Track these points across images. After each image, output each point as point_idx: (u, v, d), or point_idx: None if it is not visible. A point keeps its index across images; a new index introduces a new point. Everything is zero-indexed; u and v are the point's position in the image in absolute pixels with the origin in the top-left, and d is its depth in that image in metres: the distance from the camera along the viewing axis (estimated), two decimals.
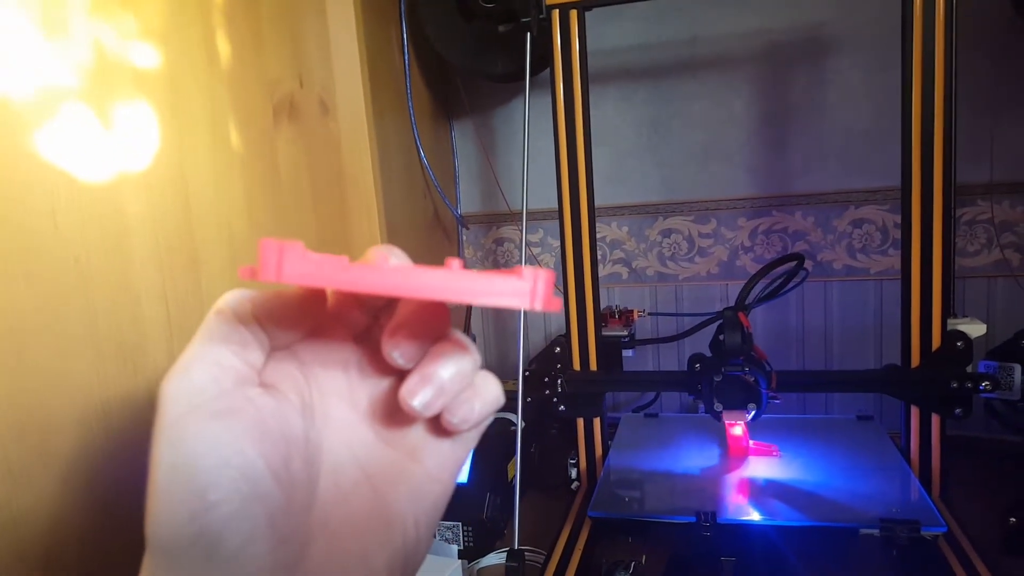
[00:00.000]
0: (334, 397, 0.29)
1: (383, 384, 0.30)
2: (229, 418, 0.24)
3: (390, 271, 0.23)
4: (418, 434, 0.30)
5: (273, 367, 0.27)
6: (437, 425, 0.29)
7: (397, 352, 0.27)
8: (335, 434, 0.29)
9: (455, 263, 0.24)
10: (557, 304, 0.24)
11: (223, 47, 0.56)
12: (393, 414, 0.29)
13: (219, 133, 0.55)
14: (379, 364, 0.30)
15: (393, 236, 1.08)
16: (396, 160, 1.12)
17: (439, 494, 0.30)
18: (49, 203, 0.42)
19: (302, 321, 0.27)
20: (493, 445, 0.97)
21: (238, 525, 0.23)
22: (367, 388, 0.30)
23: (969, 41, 1.07)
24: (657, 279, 1.34)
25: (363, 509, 0.28)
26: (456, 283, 0.23)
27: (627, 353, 1.10)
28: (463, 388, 0.27)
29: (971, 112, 1.10)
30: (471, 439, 0.30)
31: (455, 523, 0.92)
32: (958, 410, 0.85)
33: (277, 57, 0.63)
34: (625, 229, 1.34)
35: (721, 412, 0.85)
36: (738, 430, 0.93)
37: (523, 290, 0.23)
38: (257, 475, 0.24)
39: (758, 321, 1.28)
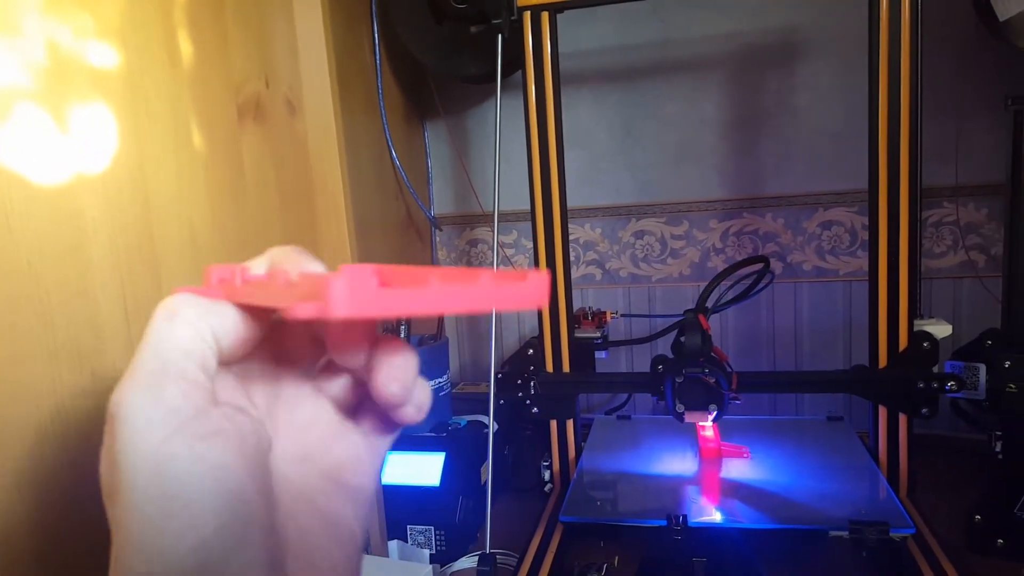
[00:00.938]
0: (279, 408, 0.29)
1: (325, 390, 0.30)
2: (216, 440, 0.23)
3: (428, 293, 0.22)
4: (356, 437, 0.30)
5: (217, 382, 0.26)
6: (376, 424, 0.30)
7: (346, 356, 0.27)
8: (283, 446, 0.28)
9: (486, 276, 0.24)
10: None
11: (185, 46, 0.55)
12: (333, 422, 0.30)
13: (181, 134, 0.54)
14: (314, 373, 0.30)
15: (364, 237, 1.07)
16: (367, 161, 1.11)
17: (372, 493, 0.31)
18: (2, 206, 0.41)
19: (250, 336, 0.26)
20: (466, 448, 0.96)
21: (239, 553, 0.22)
22: (307, 397, 0.30)
23: (935, 46, 1.09)
24: (630, 280, 1.34)
25: (316, 518, 0.28)
26: (484, 292, 0.24)
27: (600, 355, 1.10)
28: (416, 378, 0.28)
29: (937, 115, 1.12)
30: (393, 439, 0.31)
31: (427, 527, 0.92)
32: (925, 410, 0.87)
33: (242, 56, 0.62)
34: (598, 231, 1.34)
35: (683, 413, 0.86)
36: (709, 432, 0.93)
37: (535, 292, 0.24)
38: (249, 498, 0.23)
39: (729, 323, 1.29)
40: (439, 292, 0.22)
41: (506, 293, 0.24)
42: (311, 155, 0.71)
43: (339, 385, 0.30)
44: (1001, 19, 0.95)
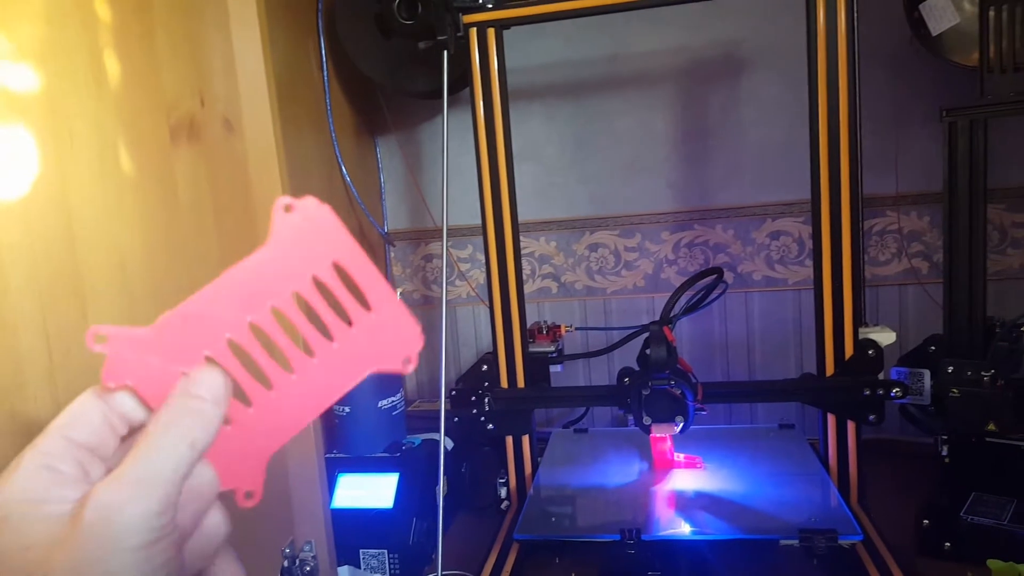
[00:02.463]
0: None
1: None
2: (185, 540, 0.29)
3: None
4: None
5: None
6: None
7: None
8: None
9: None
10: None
11: (112, 66, 0.53)
12: None
13: (108, 156, 0.52)
14: None
15: None
16: (316, 177, 1.10)
17: None
18: None
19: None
20: (420, 468, 0.95)
21: None
22: None
23: (872, 60, 1.12)
24: (586, 293, 1.34)
25: None
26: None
27: (555, 368, 1.10)
28: None
29: (877, 127, 1.15)
30: None
31: (380, 551, 0.90)
32: (871, 416, 0.88)
33: (174, 75, 0.61)
34: (553, 244, 1.34)
35: (650, 425, 0.86)
36: (664, 444, 0.93)
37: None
38: None
39: (684, 333, 1.30)
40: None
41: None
42: (251, 174, 0.69)
43: None
44: (933, 34, 0.98)
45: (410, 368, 0.31)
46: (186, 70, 0.63)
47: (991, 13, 0.86)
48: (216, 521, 0.31)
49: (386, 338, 0.30)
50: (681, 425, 0.84)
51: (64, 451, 0.28)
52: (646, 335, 0.89)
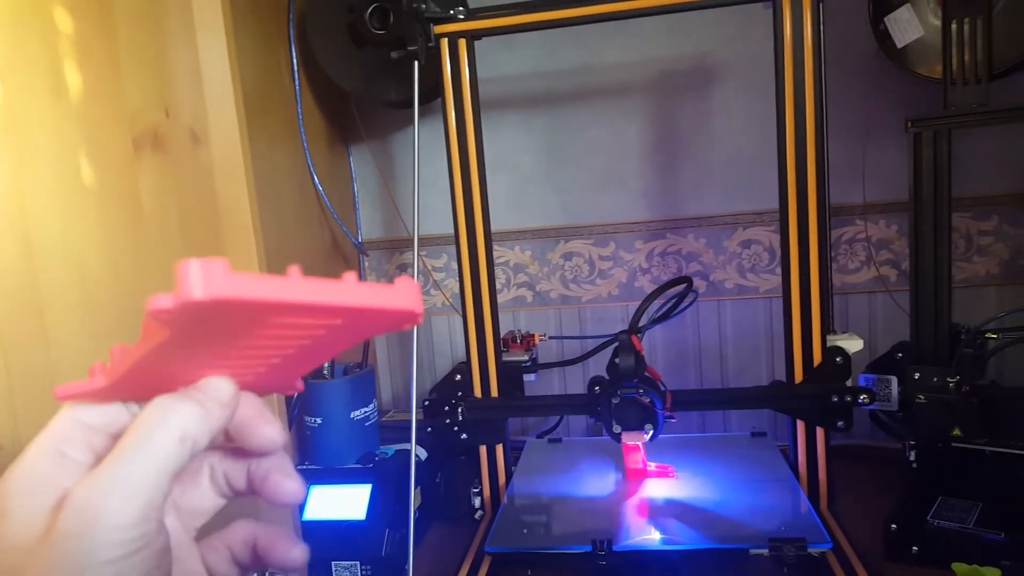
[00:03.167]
0: None
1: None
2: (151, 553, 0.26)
3: (307, 284, 0.23)
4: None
5: None
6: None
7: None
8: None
9: (350, 276, 0.25)
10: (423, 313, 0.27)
11: (73, 78, 0.53)
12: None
13: (69, 169, 0.52)
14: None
15: (285, 265, 1.05)
16: (288, 187, 1.09)
17: None
18: None
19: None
20: (393, 479, 0.94)
21: None
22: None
23: (840, 72, 1.14)
24: (561, 302, 1.35)
25: None
26: (355, 291, 0.24)
27: (530, 377, 1.10)
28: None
29: (847, 137, 1.16)
30: None
31: (353, 563, 0.89)
32: (840, 422, 0.89)
33: (138, 87, 0.60)
34: (528, 253, 1.34)
35: (620, 433, 0.86)
36: (636, 453, 0.93)
37: (409, 294, 0.25)
38: None
39: (658, 341, 1.31)
40: (299, 283, 0.23)
41: (372, 293, 0.24)
42: (218, 185, 0.69)
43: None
44: (899, 46, 1.00)
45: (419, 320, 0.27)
46: (150, 81, 0.62)
47: (953, 26, 0.88)
48: (268, 434, 0.30)
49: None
50: (651, 433, 0.84)
51: (75, 434, 0.26)
52: (615, 344, 0.89)
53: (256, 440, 0.29)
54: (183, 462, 0.25)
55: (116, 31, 0.58)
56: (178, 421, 0.25)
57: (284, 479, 0.31)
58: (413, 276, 1.01)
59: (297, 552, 0.32)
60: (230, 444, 0.31)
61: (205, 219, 0.68)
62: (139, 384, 0.26)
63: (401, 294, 0.25)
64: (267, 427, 0.30)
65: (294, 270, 0.23)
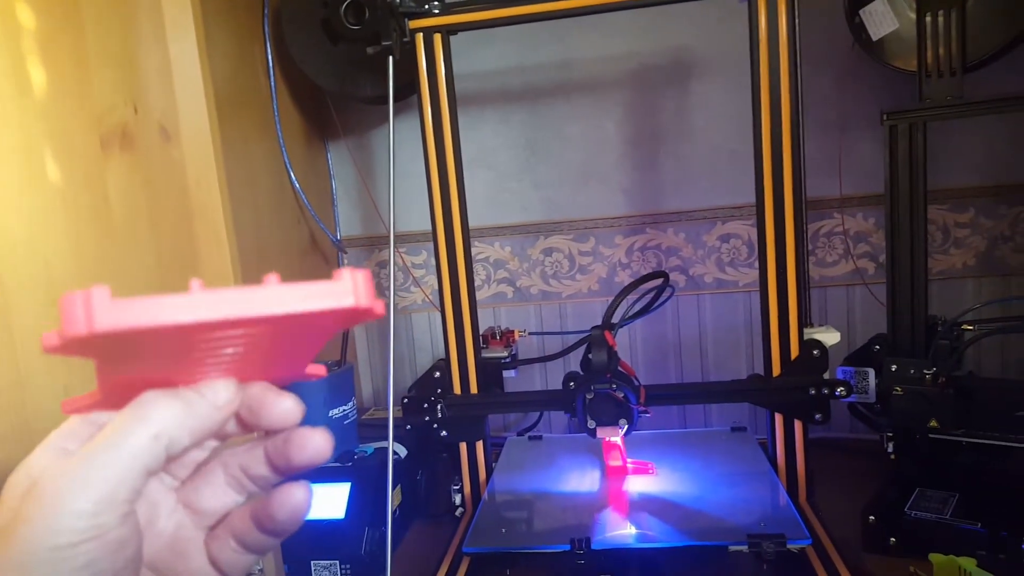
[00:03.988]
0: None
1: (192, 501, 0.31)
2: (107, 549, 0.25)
3: (208, 299, 0.21)
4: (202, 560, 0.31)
5: None
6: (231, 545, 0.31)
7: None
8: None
9: (272, 278, 0.23)
10: (380, 305, 0.25)
11: (37, 75, 0.52)
12: (187, 538, 0.31)
13: (34, 168, 0.51)
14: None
15: (263, 263, 1.04)
16: (265, 185, 1.08)
17: None
18: None
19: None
20: (373, 477, 0.94)
21: None
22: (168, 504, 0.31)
23: (817, 66, 1.14)
24: (541, 298, 1.34)
25: None
26: (276, 296, 0.22)
27: (510, 374, 1.09)
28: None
29: (822, 131, 1.17)
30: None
31: (332, 562, 0.89)
32: (818, 415, 0.89)
33: (105, 83, 0.59)
34: (508, 249, 1.34)
35: (595, 429, 0.86)
36: (615, 450, 0.93)
37: (345, 289, 0.23)
38: None
39: (638, 335, 1.31)
40: (199, 300, 0.21)
41: (299, 296, 0.23)
42: (189, 182, 0.68)
43: (205, 494, 0.31)
44: (874, 39, 1.00)
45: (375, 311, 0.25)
46: (118, 77, 0.61)
47: (928, 18, 0.88)
48: (284, 406, 0.29)
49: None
50: (625, 428, 0.84)
51: (81, 430, 0.26)
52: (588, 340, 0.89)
53: (274, 415, 0.29)
54: (157, 459, 0.25)
55: (82, 26, 0.57)
56: (155, 418, 0.25)
57: (309, 431, 0.29)
58: (390, 274, 1.01)
59: (289, 402, 0.29)
60: (247, 433, 0.30)
61: (177, 217, 0.67)
62: (138, 390, 0.26)
63: (340, 290, 0.23)
64: (281, 400, 0.29)
65: (195, 284, 0.22)
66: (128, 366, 0.24)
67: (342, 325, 0.26)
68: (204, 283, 0.22)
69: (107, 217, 0.58)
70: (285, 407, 0.29)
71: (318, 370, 0.32)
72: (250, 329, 0.23)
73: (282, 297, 0.22)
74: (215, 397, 0.26)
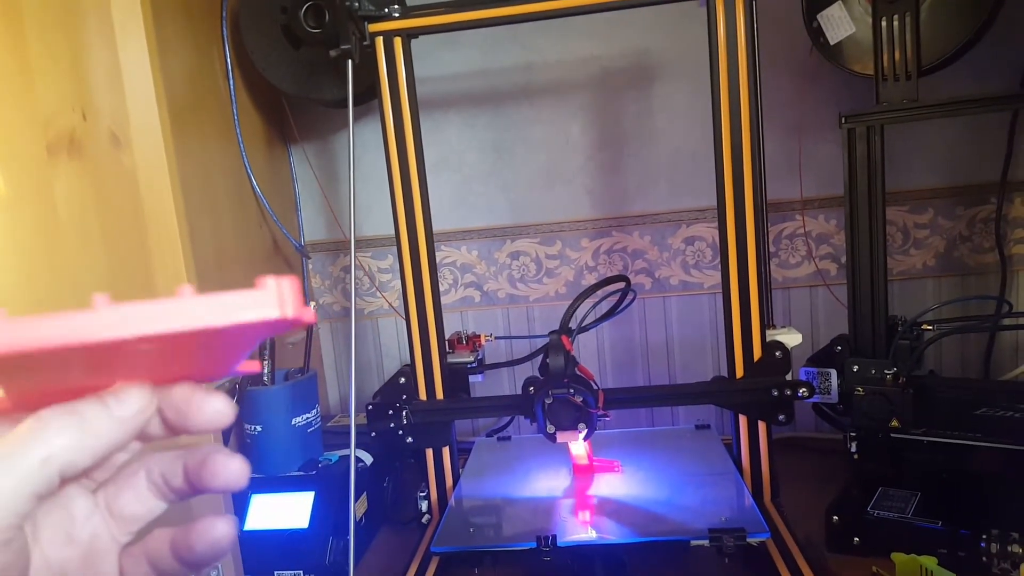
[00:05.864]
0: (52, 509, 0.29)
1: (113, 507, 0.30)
2: None
3: (113, 315, 0.20)
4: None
5: None
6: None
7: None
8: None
9: (185, 289, 0.22)
10: (309, 313, 0.23)
11: None
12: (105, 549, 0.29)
13: None
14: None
15: (223, 269, 1.03)
16: (224, 191, 1.06)
17: None
18: None
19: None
20: (337, 485, 0.92)
21: None
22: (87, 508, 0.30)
23: (777, 69, 1.15)
24: (508, 301, 1.34)
25: None
26: (190, 311, 0.21)
27: (477, 378, 1.09)
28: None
29: (783, 134, 1.18)
30: None
31: (296, 572, 0.88)
32: (781, 416, 0.90)
33: (51, 89, 0.58)
34: (475, 253, 1.33)
35: (554, 433, 0.86)
36: (580, 449, 0.93)
37: (269, 300, 0.21)
38: None
39: (605, 339, 1.31)
40: (97, 317, 0.20)
41: (223, 306, 0.21)
42: (141, 188, 0.66)
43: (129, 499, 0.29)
44: (832, 43, 1.01)
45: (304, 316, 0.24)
46: (65, 82, 0.60)
47: (883, 22, 0.89)
48: (213, 407, 0.27)
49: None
50: (584, 432, 0.84)
51: None
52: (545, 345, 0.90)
53: (201, 418, 0.27)
54: (48, 483, 0.23)
55: (24, 29, 0.55)
56: (46, 440, 0.23)
57: (225, 458, 0.28)
58: (351, 279, 1.00)
59: (218, 403, 0.27)
60: (174, 435, 0.29)
61: (129, 225, 0.66)
62: (47, 397, 0.24)
63: (263, 300, 0.21)
64: (210, 401, 0.27)
65: (99, 299, 0.20)
66: (34, 379, 0.23)
67: (270, 333, 0.25)
68: (111, 297, 0.21)
69: (54, 226, 0.57)
70: (214, 408, 0.27)
71: (252, 366, 0.30)
72: (164, 343, 0.22)
73: (195, 311, 0.21)
74: (121, 410, 0.25)
